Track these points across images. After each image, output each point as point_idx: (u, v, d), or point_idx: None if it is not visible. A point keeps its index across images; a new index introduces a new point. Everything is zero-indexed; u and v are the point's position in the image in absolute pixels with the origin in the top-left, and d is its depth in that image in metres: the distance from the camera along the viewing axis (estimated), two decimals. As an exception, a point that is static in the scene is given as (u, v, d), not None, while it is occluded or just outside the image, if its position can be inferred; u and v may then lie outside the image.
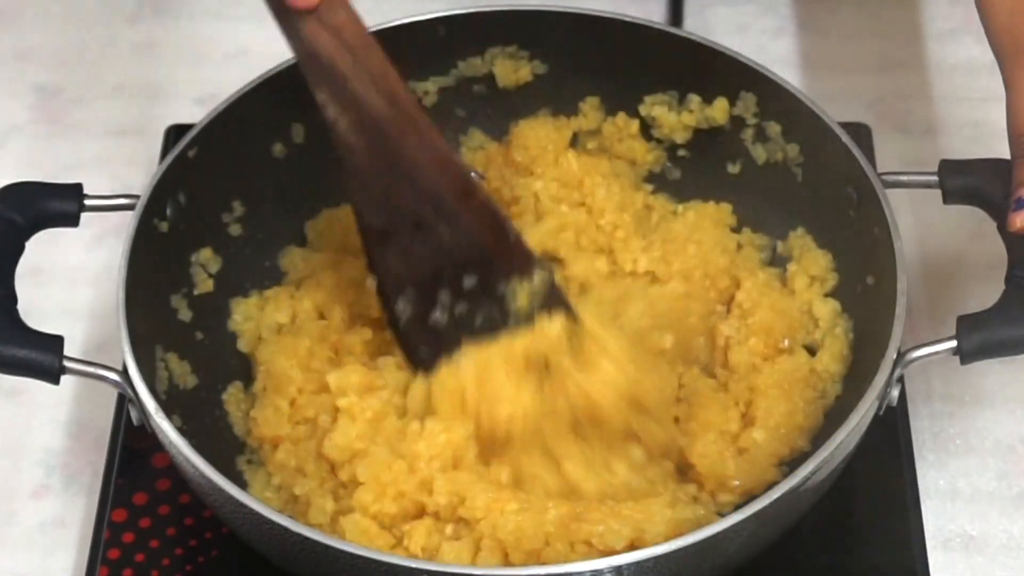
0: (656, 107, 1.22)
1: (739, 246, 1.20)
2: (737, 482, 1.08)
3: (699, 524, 1.00)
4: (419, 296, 1.08)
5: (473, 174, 1.11)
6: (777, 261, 1.20)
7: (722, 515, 1.02)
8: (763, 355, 1.13)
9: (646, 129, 1.23)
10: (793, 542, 1.05)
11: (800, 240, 1.18)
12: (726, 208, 1.21)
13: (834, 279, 1.16)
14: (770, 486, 1.01)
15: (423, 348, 1.09)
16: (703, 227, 1.20)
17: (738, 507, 1.02)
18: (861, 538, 1.10)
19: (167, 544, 1.11)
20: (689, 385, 1.13)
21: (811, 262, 1.17)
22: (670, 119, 1.22)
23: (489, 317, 1.08)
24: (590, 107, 1.24)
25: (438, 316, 1.08)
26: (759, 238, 1.21)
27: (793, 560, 1.08)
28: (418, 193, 1.06)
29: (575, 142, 1.24)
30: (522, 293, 1.08)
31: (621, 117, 1.23)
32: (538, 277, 1.08)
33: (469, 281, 1.07)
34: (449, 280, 1.07)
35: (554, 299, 1.09)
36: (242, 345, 1.16)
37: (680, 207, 1.23)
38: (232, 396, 1.14)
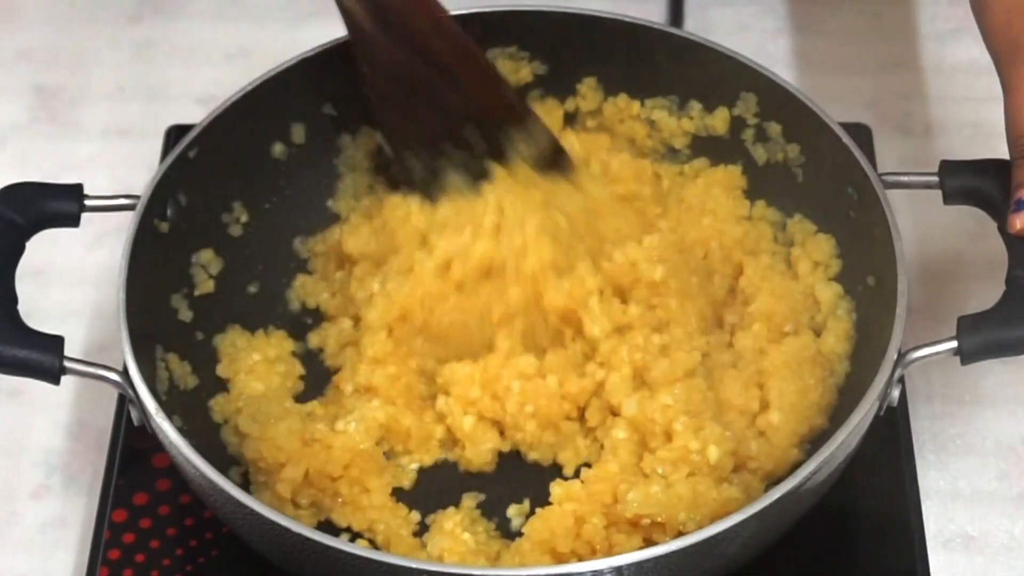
0: (656, 111, 1.22)
1: (751, 218, 1.21)
2: (757, 464, 1.08)
3: (740, 504, 1.00)
4: (425, 150, 1.15)
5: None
6: (783, 243, 1.20)
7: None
8: (768, 339, 1.13)
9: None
10: (793, 542, 1.05)
11: (801, 225, 1.19)
12: (735, 171, 1.21)
13: (838, 265, 1.16)
14: (794, 466, 1.01)
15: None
16: (715, 195, 1.20)
17: (769, 486, 1.04)
18: (861, 538, 1.10)
19: (167, 544, 1.11)
20: (712, 356, 1.14)
21: (814, 247, 1.17)
22: (670, 124, 1.22)
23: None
24: (588, 88, 1.23)
25: (446, 166, 1.15)
26: (772, 213, 1.21)
27: (793, 560, 1.08)
28: (423, 57, 1.12)
29: (574, 121, 1.24)
30: (521, 141, 1.13)
31: (622, 98, 1.23)
32: (539, 129, 1.15)
33: (471, 133, 1.14)
34: (452, 133, 1.14)
35: (555, 156, 1.16)
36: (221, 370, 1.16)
37: (687, 167, 1.22)
38: (218, 404, 1.14)
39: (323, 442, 1.09)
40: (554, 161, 1.16)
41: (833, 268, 1.16)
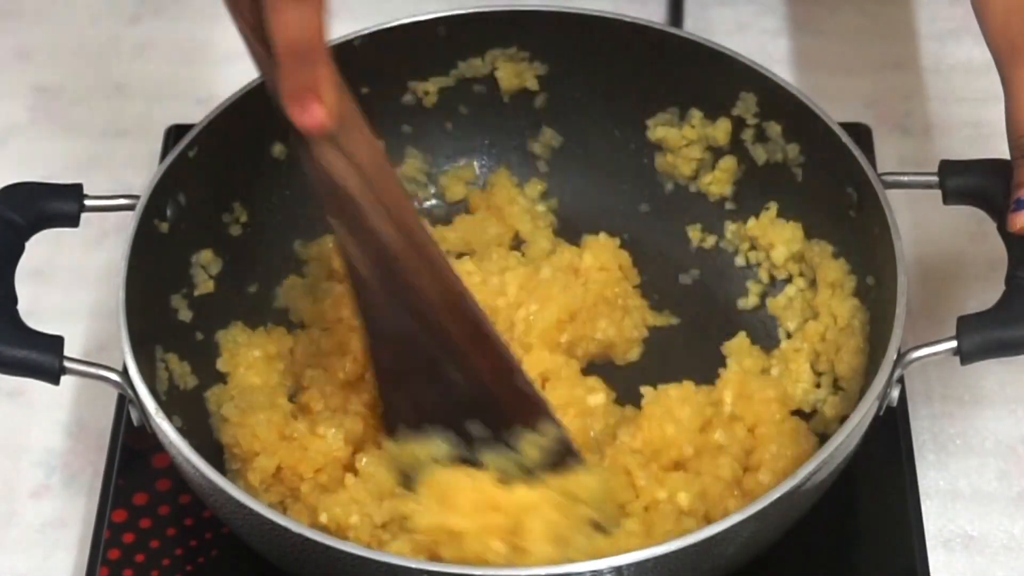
0: (659, 128, 1.22)
1: None
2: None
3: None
4: (419, 432, 1.05)
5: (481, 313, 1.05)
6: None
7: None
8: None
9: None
10: (793, 542, 1.05)
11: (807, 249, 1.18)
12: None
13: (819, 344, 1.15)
14: None
15: None
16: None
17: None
18: (861, 538, 1.10)
19: (167, 544, 1.11)
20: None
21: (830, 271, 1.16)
22: (672, 135, 1.22)
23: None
24: None
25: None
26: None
27: (793, 560, 1.08)
28: (428, 330, 1.02)
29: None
30: (530, 445, 1.03)
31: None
32: (549, 430, 1.04)
33: (475, 428, 1.03)
34: (456, 425, 1.03)
35: (566, 458, 1.04)
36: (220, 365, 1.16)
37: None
38: (214, 395, 1.14)
39: (300, 442, 1.08)
40: (560, 462, 1.04)
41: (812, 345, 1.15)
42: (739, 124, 1.20)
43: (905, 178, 1.11)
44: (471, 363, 1.03)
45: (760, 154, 1.20)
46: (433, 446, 1.04)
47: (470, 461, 1.03)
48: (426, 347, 1.02)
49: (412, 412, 1.05)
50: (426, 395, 1.04)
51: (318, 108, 0.96)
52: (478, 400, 1.03)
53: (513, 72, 1.22)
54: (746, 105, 1.19)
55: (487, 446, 1.03)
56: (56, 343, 1.03)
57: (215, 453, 1.10)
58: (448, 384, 1.03)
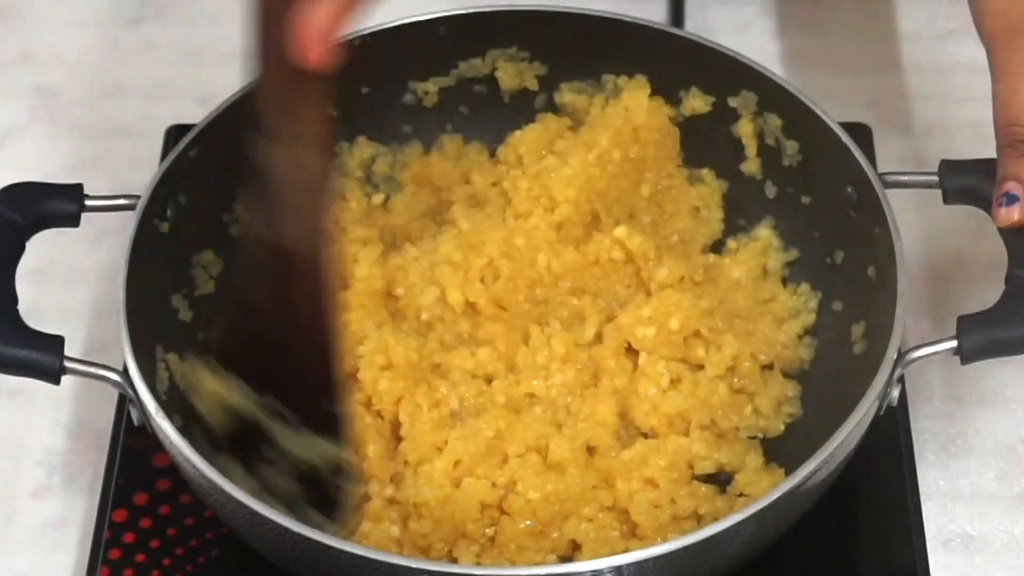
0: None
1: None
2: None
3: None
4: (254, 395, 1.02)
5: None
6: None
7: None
8: None
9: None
10: (793, 542, 1.05)
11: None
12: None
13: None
14: None
15: None
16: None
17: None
18: (861, 538, 1.10)
19: (168, 544, 1.11)
20: None
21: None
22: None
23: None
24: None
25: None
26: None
27: (793, 560, 1.08)
28: (289, 324, 1.00)
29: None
30: (308, 446, 1.01)
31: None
32: (333, 451, 1.01)
33: (274, 403, 1.01)
34: (262, 391, 1.01)
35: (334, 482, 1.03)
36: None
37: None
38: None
39: None
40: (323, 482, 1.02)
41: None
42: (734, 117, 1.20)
43: (905, 178, 1.11)
44: (307, 362, 1.01)
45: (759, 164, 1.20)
46: (230, 391, 1.02)
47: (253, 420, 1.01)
48: (278, 329, 1.01)
49: (229, 353, 1.02)
50: (253, 355, 1.02)
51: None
52: (293, 391, 1.01)
53: (513, 72, 1.23)
54: (746, 104, 1.19)
55: (276, 419, 1.01)
56: (56, 343, 1.03)
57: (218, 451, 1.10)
58: (276, 361, 1.01)
